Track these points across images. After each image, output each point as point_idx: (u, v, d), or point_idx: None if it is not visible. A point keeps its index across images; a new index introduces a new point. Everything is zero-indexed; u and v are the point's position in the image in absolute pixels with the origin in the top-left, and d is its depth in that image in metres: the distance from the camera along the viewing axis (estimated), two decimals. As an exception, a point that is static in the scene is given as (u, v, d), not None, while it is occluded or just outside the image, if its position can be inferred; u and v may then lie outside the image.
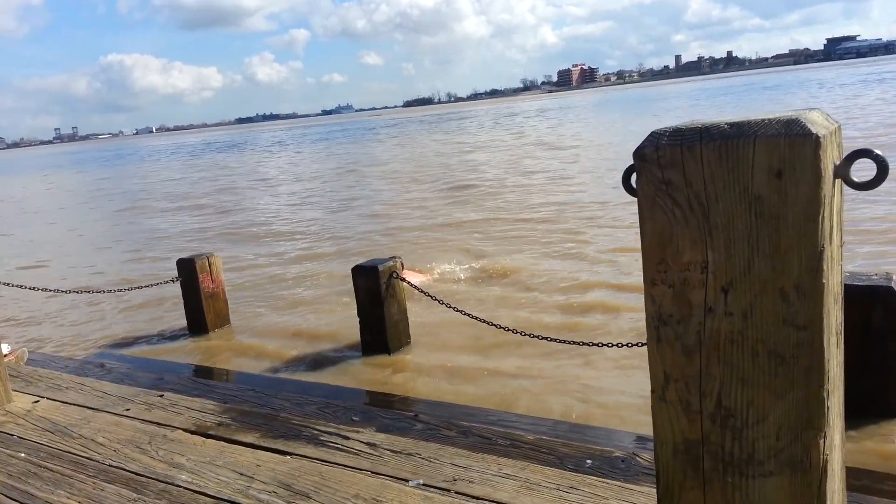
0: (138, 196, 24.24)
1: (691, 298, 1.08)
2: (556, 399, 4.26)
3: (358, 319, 5.03)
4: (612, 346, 4.17)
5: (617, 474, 2.16)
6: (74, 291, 6.52)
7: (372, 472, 2.15)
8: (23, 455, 2.30)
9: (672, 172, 1.05)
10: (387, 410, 3.19)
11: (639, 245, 1.11)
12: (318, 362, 5.13)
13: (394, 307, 4.95)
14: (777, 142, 0.99)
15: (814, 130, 0.98)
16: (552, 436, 2.90)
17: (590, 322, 5.62)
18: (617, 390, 4.31)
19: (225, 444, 2.39)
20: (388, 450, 2.33)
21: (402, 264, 5.15)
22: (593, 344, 4.29)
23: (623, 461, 2.26)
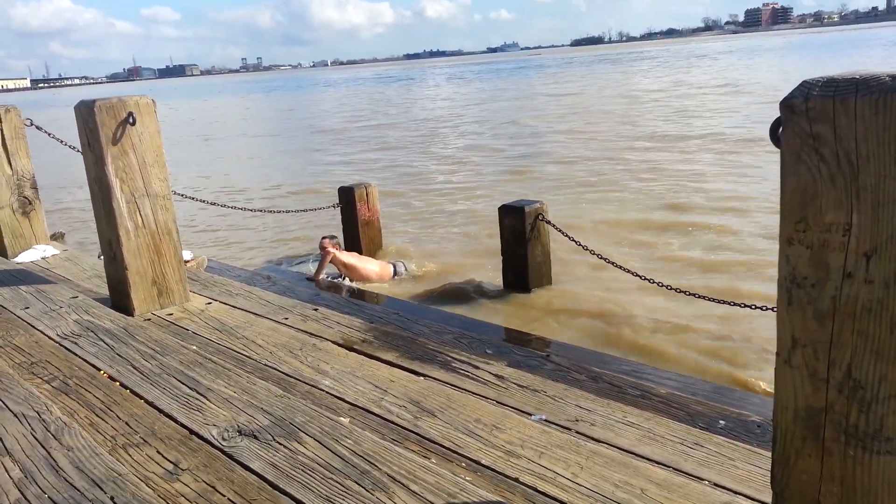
0: (322, 120, 25.70)
1: (830, 262, 1.02)
2: (698, 357, 4.14)
3: (501, 258, 5.11)
4: (767, 308, 3.96)
5: (749, 438, 2.09)
6: (249, 210, 7.11)
7: (497, 402, 2.23)
8: (194, 347, 2.61)
9: (821, 126, 0.99)
10: (520, 347, 3.25)
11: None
12: (460, 295, 5.30)
13: (537, 248, 4.98)
14: (945, 98, 0.90)
15: None
16: (687, 392, 2.84)
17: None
18: (769, 352, 4.11)
19: (365, 358, 2.57)
20: (515, 383, 2.39)
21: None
22: (745, 305, 4.10)
23: (759, 426, 2.19)
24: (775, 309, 1.12)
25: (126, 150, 2.98)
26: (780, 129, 1.05)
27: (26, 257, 4.43)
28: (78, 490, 1.55)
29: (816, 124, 0.99)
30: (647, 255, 6.21)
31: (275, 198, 10.64)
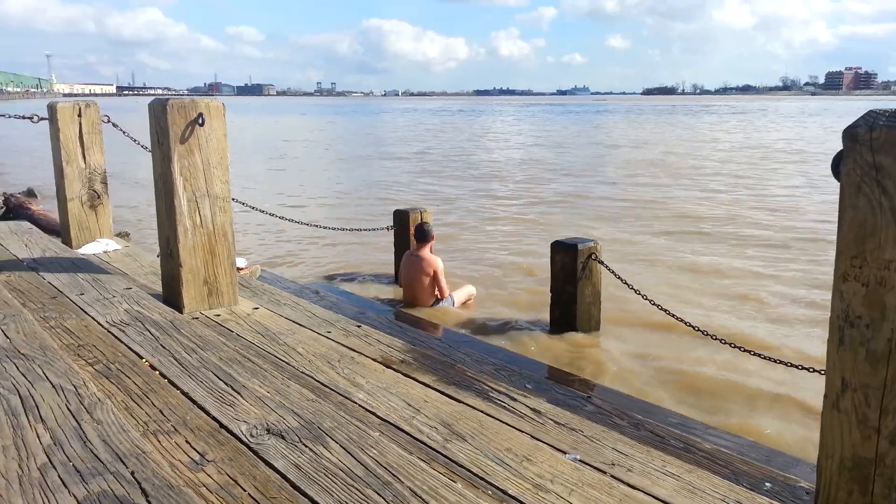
0: (387, 144, 26.17)
1: (887, 301, 0.96)
2: (748, 415, 3.97)
3: (550, 296, 5.05)
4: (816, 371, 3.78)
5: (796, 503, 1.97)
6: (306, 224, 7.23)
7: (531, 436, 2.17)
8: (235, 347, 2.64)
9: (885, 157, 0.94)
10: (561, 386, 3.18)
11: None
12: (504, 329, 5.25)
13: (588, 289, 4.89)
14: None
15: None
16: (734, 451, 2.72)
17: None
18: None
19: (402, 376, 2.55)
20: (551, 419, 2.33)
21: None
22: (801, 367, 3.92)
23: (808, 493, 2.06)
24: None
25: (192, 149, 3.08)
26: (841, 163, 1.01)
27: (89, 249, 4.59)
28: (101, 462, 1.58)
29: (880, 155, 0.95)
30: (713, 306, 6.05)
31: (332, 216, 10.82)
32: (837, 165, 1.02)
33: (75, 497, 1.47)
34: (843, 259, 1.00)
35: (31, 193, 12.48)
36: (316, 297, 4.68)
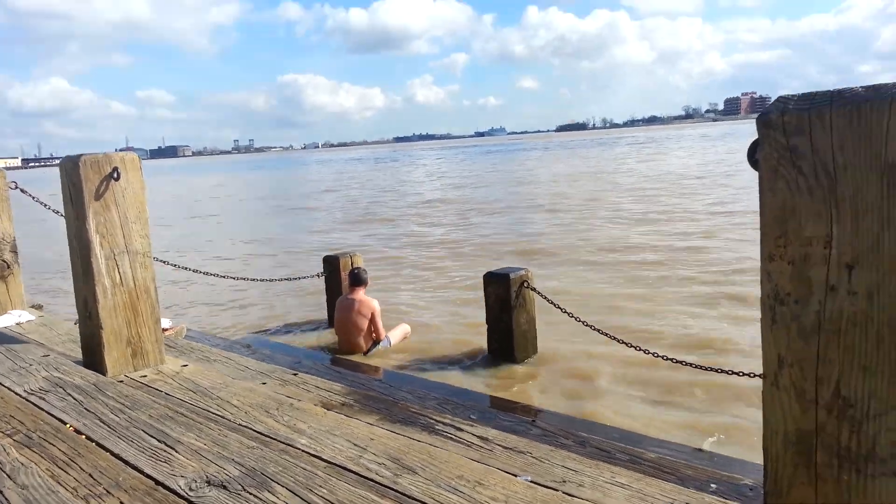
0: (298, 195, 25.96)
1: (812, 276, 1.00)
2: (688, 425, 4.05)
3: (486, 326, 5.06)
4: (755, 376, 3.91)
5: (743, 500, 2.02)
6: (232, 277, 7.05)
7: (481, 463, 2.15)
8: (166, 404, 2.53)
9: (798, 139, 0.99)
10: (505, 413, 3.18)
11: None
12: (444, 364, 5.23)
13: (523, 316, 4.94)
14: (918, 104, 0.91)
15: (962, 91, 0.89)
16: (678, 458, 2.77)
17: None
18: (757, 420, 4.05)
19: (345, 417, 2.49)
20: (499, 445, 2.32)
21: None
22: (733, 372, 4.05)
23: (752, 489, 2.12)
24: (763, 376, 1.09)
25: (108, 205, 2.96)
26: (757, 151, 1.06)
27: (0, 322, 4.33)
28: (28, 530, 1.46)
29: (794, 137, 1.00)
30: (639, 324, 6.19)
31: (258, 268, 10.62)
32: (753, 154, 1.07)
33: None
34: (767, 240, 1.04)
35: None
36: (248, 350, 4.56)
